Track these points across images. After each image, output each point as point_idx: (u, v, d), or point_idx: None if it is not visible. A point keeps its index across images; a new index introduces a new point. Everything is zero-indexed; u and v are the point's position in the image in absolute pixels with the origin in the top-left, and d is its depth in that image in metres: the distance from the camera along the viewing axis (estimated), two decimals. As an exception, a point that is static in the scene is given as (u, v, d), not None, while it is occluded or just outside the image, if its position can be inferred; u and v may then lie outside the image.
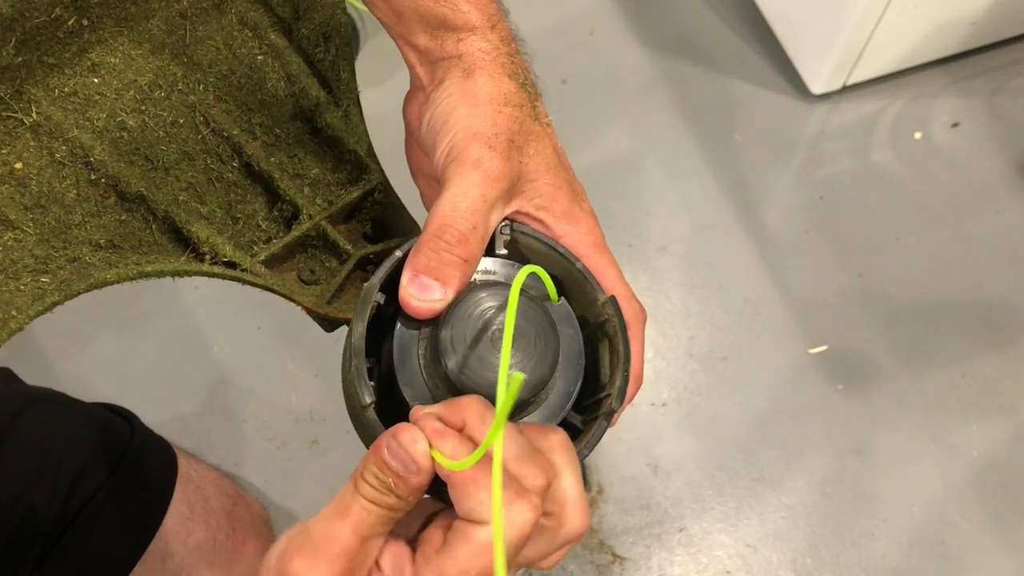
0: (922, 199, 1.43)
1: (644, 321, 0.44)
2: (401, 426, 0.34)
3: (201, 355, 1.34)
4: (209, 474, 0.77)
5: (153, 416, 0.77)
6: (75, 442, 0.68)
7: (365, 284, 0.39)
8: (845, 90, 1.51)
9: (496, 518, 0.31)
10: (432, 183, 0.42)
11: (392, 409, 0.39)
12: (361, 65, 1.50)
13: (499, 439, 0.31)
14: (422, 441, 0.34)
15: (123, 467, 0.68)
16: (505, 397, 0.31)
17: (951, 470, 1.24)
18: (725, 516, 1.23)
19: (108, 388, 1.30)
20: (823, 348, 1.32)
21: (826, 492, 1.24)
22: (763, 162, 1.47)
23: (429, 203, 0.47)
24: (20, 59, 0.38)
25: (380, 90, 1.34)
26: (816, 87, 1.49)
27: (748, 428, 1.28)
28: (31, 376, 0.71)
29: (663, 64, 1.56)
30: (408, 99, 0.45)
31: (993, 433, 1.27)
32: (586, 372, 0.41)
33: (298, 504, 1.23)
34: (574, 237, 0.42)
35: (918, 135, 1.48)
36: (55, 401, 0.70)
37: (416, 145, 0.45)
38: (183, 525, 0.70)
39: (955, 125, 1.49)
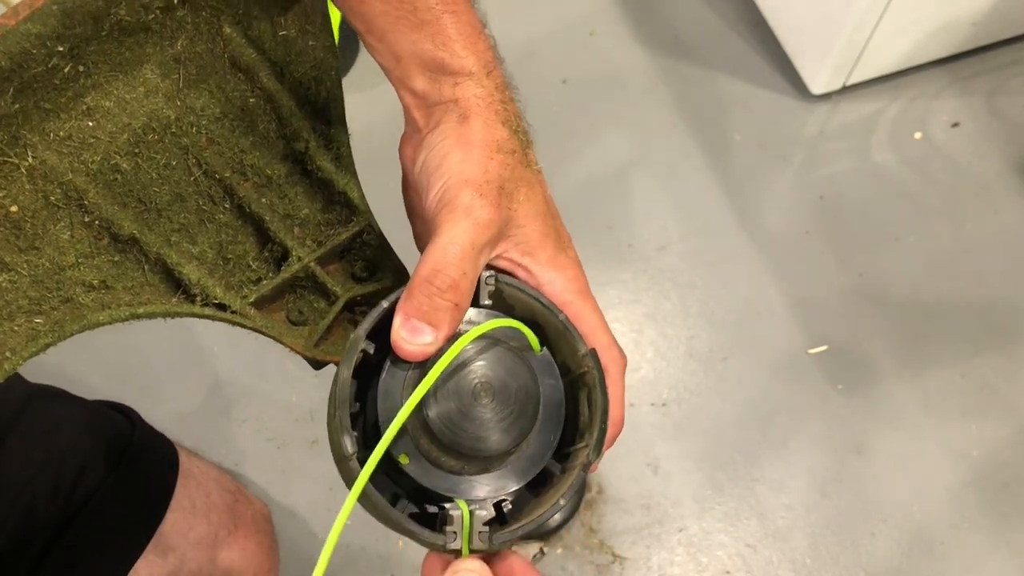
0: (922, 199, 1.43)
1: (624, 368, 0.45)
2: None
3: (201, 355, 1.34)
4: (210, 470, 0.77)
5: (153, 416, 0.77)
6: (77, 438, 0.68)
7: (352, 334, 0.40)
8: (845, 90, 1.51)
9: None
10: (425, 223, 0.43)
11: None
12: (359, 67, 1.50)
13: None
14: None
15: (125, 463, 0.69)
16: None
17: (951, 470, 1.25)
18: (725, 516, 1.23)
19: (108, 387, 1.30)
20: (823, 348, 1.32)
21: (826, 492, 1.24)
22: (763, 162, 1.47)
23: (422, 243, 0.48)
24: (17, 106, 0.38)
25: (373, 94, 1.34)
26: (816, 87, 1.49)
27: (748, 428, 1.28)
28: (31, 375, 0.71)
29: (663, 64, 1.56)
30: (404, 141, 0.46)
31: (993, 433, 1.27)
32: (566, 419, 0.42)
33: (298, 503, 1.24)
34: (559, 283, 0.43)
35: (918, 135, 1.48)
36: (56, 397, 0.71)
37: (411, 186, 0.46)
38: (185, 520, 0.70)
39: (955, 125, 1.49)
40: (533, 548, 1.21)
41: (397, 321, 0.39)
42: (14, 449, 0.64)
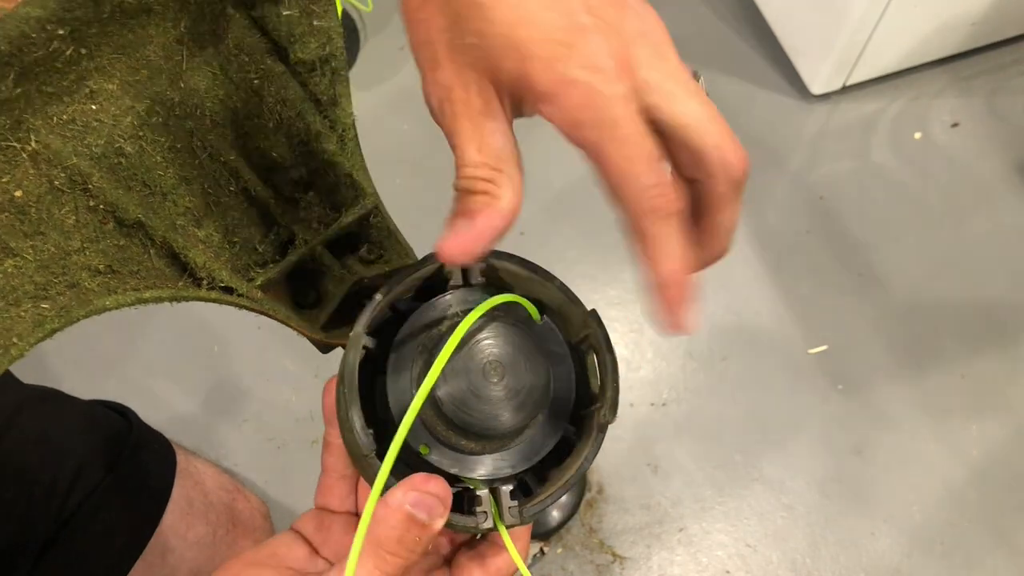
0: (922, 199, 1.43)
1: (741, 177, 0.34)
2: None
3: (201, 355, 1.34)
4: (208, 469, 0.77)
5: (153, 416, 0.77)
6: (73, 439, 0.68)
7: (351, 333, 0.39)
8: (845, 90, 1.51)
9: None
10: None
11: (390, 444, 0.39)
12: (361, 65, 1.51)
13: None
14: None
15: (122, 463, 0.68)
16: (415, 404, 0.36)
17: (951, 470, 1.24)
18: (725, 516, 1.23)
19: (108, 387, 1.30)
20: (823, 348, 1.32)
21: (826, 492, 1.24)
22: (763, 162, 1.47)
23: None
24: (19, 91, 0.37)
25: (378, 91, 1.34)
26: (816, 87, 1.49)
27: (748, 428, 1.28)
28: (29, 375, 0.71)
29: (663, 64, 1.56)
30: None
31: (993, 433, 1.27)
32: (577, 383, 0.42)
33: (298, 504, 1.23)
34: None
35: (918, 135, 1.48)
36: (52, 398, 0.70)
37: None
38: (182, 520, 0.70)
39: (955, 125, 1.49)
40: (533, 548, 1.21)
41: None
42: (10, 451, 0.64)
